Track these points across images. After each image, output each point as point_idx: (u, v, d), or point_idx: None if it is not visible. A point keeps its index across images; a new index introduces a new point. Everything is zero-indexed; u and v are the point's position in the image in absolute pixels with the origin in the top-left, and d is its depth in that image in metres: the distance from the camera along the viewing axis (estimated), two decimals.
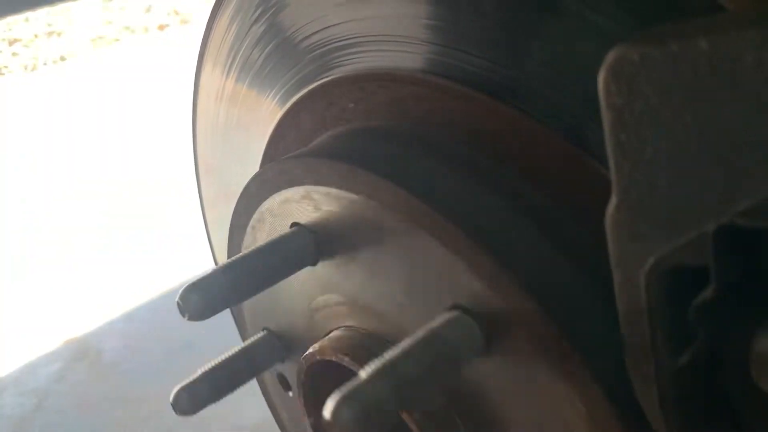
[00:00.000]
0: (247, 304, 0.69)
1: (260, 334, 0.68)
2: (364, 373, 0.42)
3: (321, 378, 0.63)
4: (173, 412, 0.61)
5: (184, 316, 0.53)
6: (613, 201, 0.34)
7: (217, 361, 0.65)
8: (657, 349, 0.35)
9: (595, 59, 0.33)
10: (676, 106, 0.30)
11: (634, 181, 0.33)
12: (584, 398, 0.43)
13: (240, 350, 0.67)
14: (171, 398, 0.62)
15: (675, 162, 0.31)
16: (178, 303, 0.53)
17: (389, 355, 0.44)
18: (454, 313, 0.46)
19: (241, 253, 0.57)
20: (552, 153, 0.48)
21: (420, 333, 0.45)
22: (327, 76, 0.64)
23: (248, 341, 0.68)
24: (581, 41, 0.46)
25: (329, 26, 0.63)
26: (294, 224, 0.58)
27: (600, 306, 0.42)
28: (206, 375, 0.64)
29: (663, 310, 0.34)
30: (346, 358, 0.55)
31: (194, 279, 0.54)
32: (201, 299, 0.53)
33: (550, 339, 0.43)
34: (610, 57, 0.31)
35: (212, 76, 0.83)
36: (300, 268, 0.58)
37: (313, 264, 0.58)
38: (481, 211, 0.48)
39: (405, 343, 0.44)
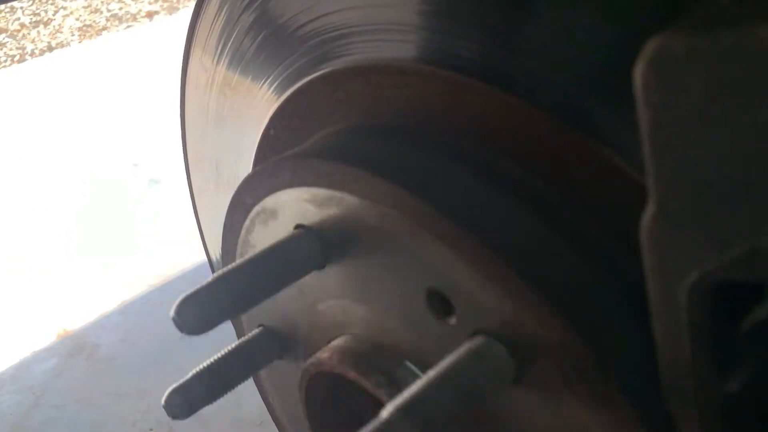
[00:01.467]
0: None
1: (256, 331, 0.64)
2: (386, 413, 0.39)
3: (323, 387, 0.60)
4: None
5: (182, 331, 0.50)
6: (651, 209, 0.31)
7: (211, 361, 0.61)
8: (700, 372, 0.31)
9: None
10: (727, 104, 0.26)
11: (675, 187, 0.29)
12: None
13: (235, 348, 0.63)
14: (163, 401, 0.58)
15: (724, 166, 0.28)
16: (173, 318, 0.49)
17: (413, 390, 0.40)
18: (481, 340, 0.42)
19: (240, 260, 0.52)
20: (568, 149, 0.44)
21: (445, 364, 0.41)
22: (325, 68, 0.60)
23: (243, 338, 0.64)
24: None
25: (322, 15, 0.60)
26: (299, 226, 0.53)
27: (632, 324, 0.39)
28: (200, 375, 0.60)
29: (707, 329, 0.31)
30: (352, 372, 0.53)
31: (190, 291, 0.50)
32: (197, 312, 0.49)
33: (586, 367, 0.39)
34: (650, 49, 0.27)
35: (201, 65, 0.79)
36: (305, 274, 0.53)
37: (320, 268, 0.54)
38: (507, 224, 0.44)
39: (430, 377, 0.40)
